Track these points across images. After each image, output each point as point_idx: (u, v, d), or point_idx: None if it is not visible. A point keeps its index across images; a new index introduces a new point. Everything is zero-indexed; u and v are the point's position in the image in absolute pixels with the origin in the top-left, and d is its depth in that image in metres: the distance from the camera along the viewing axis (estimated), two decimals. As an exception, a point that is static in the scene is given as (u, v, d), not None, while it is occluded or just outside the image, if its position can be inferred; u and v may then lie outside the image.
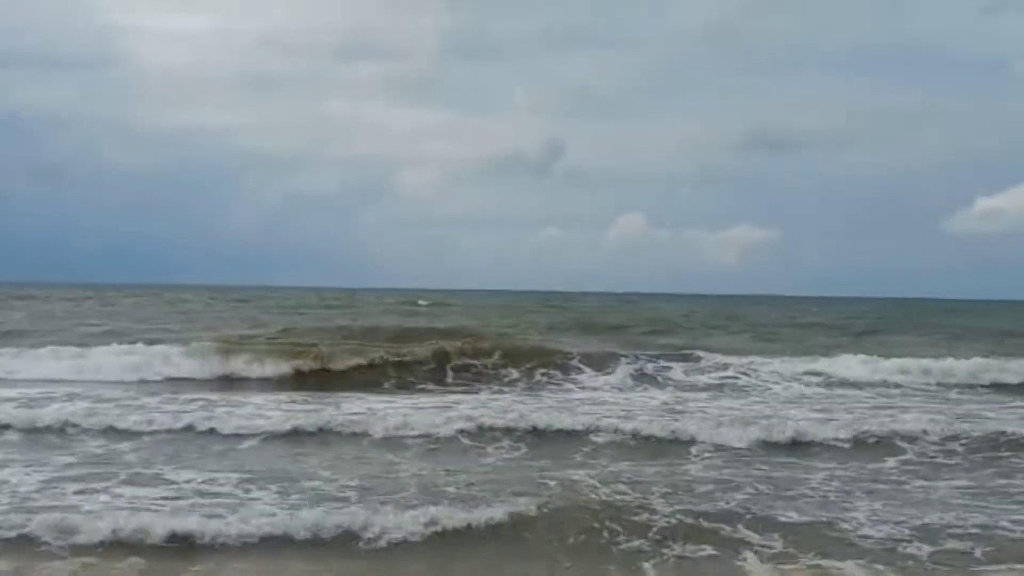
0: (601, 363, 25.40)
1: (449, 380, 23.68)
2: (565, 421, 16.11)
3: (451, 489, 11.58)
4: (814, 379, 24.00)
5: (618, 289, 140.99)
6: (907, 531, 10.25)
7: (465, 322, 41.11)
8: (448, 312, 54.65)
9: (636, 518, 10.28)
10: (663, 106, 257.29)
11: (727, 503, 11.16)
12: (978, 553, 9.57)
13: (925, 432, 15.60)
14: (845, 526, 10.40)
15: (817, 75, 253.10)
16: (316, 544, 9.49)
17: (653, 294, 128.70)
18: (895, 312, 69.35)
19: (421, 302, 67.48)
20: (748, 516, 10.58)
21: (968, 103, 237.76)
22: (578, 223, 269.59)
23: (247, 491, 11.42)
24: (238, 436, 15.16)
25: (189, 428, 15.58)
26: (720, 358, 26.15)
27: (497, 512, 10.16)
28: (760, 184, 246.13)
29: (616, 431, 15.63)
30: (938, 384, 23.92)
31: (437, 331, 30.29)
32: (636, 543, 9.60)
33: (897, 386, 23.52)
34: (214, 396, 19.01)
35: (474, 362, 24.88)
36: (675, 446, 14.86)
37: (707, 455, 14.34)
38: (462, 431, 15.46)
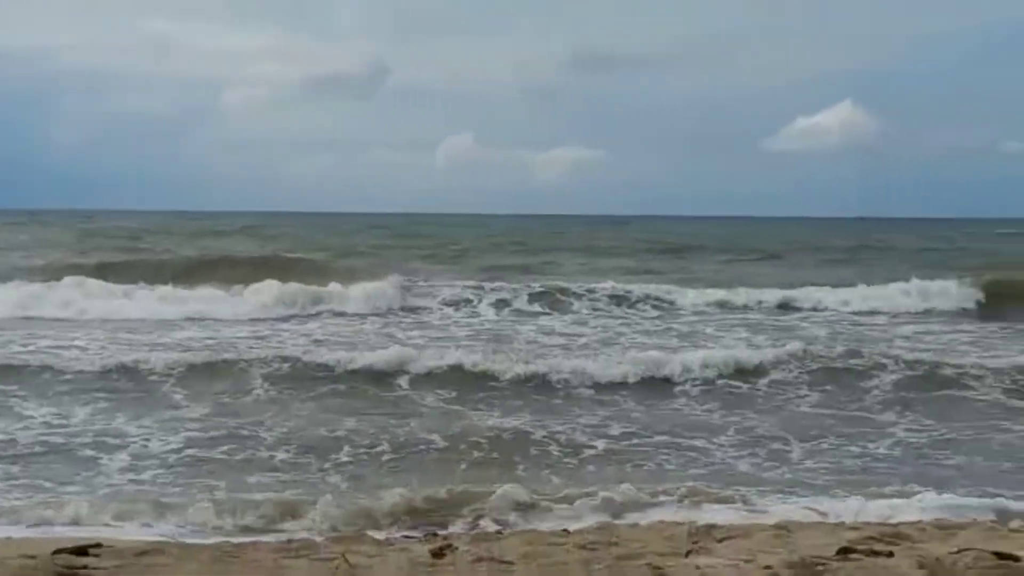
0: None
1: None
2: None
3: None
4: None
5: (447, 210, 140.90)
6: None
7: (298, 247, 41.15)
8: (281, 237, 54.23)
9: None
10: (490, 25, 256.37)
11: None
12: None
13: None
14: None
15: None
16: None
17: (483, 215, 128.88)
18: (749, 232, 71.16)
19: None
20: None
21: (790, 25, 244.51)
22: (407, 144, 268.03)
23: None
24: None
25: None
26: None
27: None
28: (587, 105, 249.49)
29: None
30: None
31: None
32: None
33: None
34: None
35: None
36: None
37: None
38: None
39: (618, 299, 24.59)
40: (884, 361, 15.48)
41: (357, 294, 23.85)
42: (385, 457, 10.87)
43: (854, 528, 7.69)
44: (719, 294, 25.14)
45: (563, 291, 25.24)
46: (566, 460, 10.84)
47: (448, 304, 24.02)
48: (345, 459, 10.75)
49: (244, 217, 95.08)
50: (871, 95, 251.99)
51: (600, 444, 11.42)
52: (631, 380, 14.62)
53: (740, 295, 25.11)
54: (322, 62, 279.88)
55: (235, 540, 7.76)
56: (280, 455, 10.86)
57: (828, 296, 25.13)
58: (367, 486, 9.64)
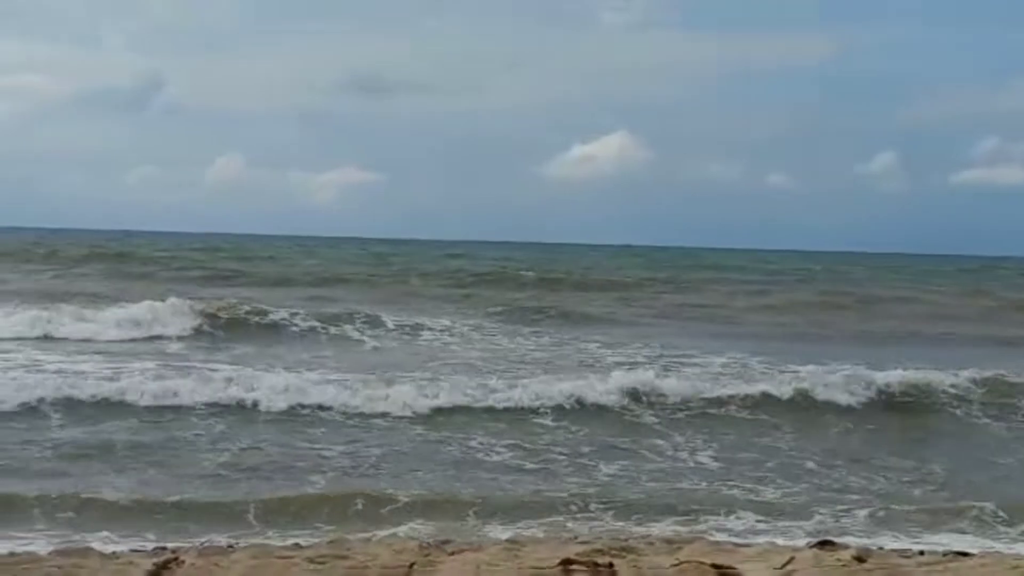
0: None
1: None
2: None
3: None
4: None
5: (214, 229, 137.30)
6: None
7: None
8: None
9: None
10: (265, 45, 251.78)
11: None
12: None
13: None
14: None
15: (416, 19, 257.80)
16: None
17: (253, 235, 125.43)
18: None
19: None
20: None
21: (564, 51, 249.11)
22: (177, 161, 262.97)
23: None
24: None
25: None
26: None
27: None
28: (362, 127, 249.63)
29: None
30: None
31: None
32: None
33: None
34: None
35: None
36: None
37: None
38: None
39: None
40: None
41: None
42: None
43: (585, 543, 7.75)
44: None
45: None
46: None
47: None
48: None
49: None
50: (643, 124, 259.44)
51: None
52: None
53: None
54: (90, 76, 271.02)
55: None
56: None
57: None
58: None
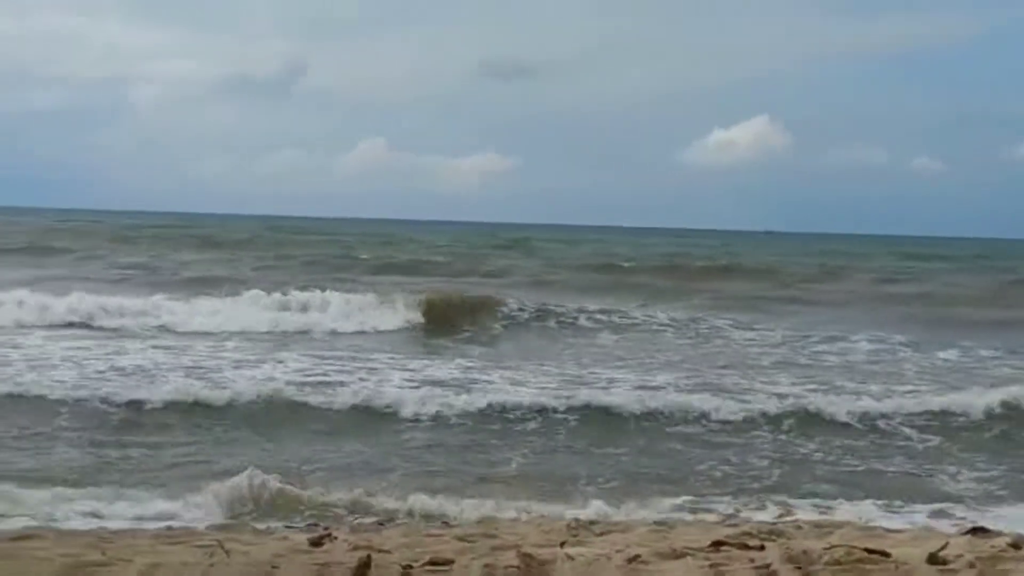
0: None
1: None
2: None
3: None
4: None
5: (355, 214, 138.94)
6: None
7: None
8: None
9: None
10: (405, 30, 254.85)
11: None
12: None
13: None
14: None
15: (553, 3, 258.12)
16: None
17: (394, 220, 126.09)
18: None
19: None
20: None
21: (704, 33, 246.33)
22: (318, 146, 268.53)
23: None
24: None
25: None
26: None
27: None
28: (500, 111, 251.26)
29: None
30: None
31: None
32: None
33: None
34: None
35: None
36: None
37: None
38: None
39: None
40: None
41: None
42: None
43: (733, 526, 7.71)
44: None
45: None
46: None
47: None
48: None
49: (154, 217, 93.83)
50: (783, 108, 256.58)
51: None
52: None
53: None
54: (234, 61, 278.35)
55: (114, 527, 7.76)
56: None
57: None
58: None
